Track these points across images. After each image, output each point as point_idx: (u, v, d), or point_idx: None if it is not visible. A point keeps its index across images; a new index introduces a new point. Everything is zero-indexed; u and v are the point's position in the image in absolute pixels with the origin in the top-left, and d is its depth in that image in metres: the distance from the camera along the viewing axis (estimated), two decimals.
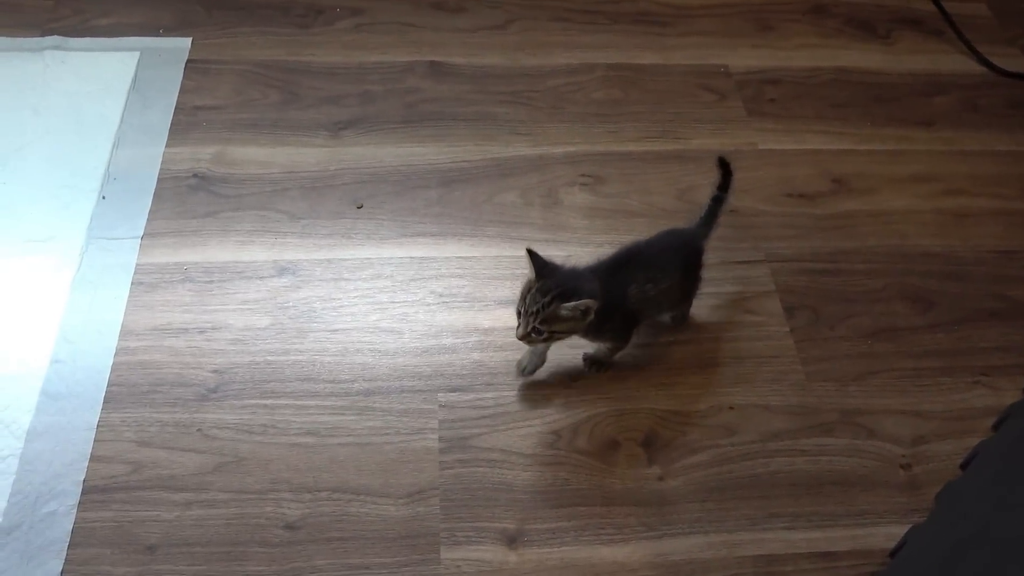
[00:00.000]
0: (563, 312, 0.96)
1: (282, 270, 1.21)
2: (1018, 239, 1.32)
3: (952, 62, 1.60)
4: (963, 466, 0.95)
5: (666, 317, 1.15)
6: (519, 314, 0.99)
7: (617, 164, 1.39)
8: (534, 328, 0.98)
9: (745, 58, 1.57)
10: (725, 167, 1.15)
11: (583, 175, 1.36)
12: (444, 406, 1.08)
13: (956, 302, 1.22)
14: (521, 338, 1.00)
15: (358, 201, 1.31)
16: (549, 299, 0.96)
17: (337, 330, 1.15)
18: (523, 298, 0.99)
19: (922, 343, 1.18)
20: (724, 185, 1.15)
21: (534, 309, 0.97)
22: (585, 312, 0.97)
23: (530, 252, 0.99)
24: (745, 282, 1.23)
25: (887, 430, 1.09)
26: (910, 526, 0.95)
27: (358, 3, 1.60)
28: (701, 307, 1.20)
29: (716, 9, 1.66)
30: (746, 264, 1.25)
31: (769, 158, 1.40)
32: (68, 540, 0.95)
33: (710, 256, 1.26)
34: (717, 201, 1.14)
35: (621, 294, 1.02)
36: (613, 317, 1.03)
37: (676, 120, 1.46)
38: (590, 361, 1.12)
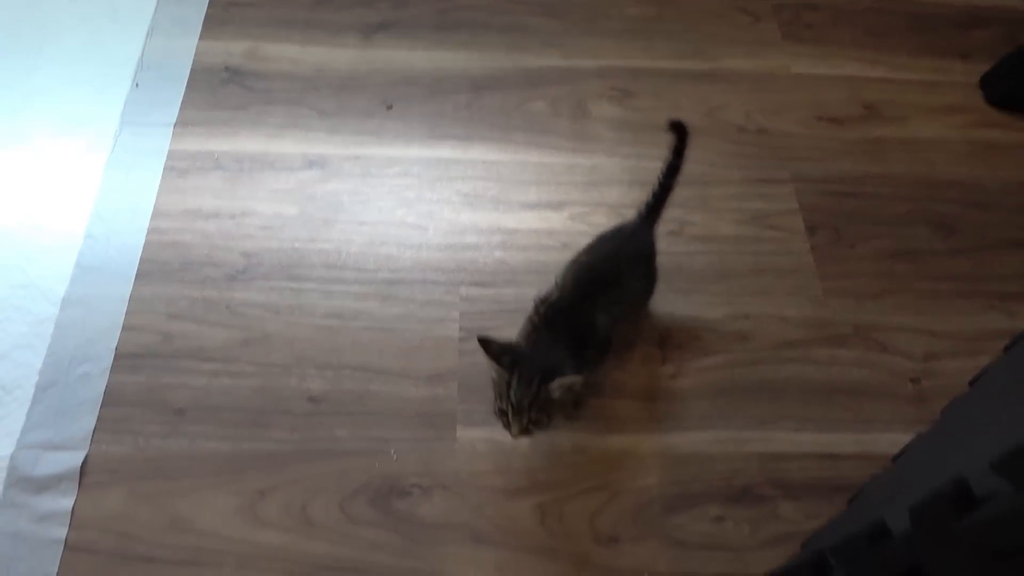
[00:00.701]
0: (555, 393, 0.88)
1: (311, 163, 1.23)
2: None
3: None
4: (972, 383, 0.96)
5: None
6: (504, 413, 0.90)
7: (648, 80, 1.38)
8: (531, 420, 0.89)
9: None
10: (680, 130, 1.02)
11: (613, 88, 1.36)
12: (465, 299, 1.10)
13: (979, 230, 1.22)
14: (519, 435, 0.90)
15: (388, 102, 1.31)
16: (536, 387, 0.87)
17: (363, 223, 1.17)
18: (503, 396, 0.89)
19: (942, 267, 1.18)
20: (679, 150, 1.02)
21: (526, 403, 0.87)
22: (572, 386, 0.88)
23: (483, 341, 0.89)
24: (769, 199, 1.24)
25: (900, 346, 1.10)
26: (915, 434, 0.98)
27: None
28: (725, 221, 1.21)
29: None
30: (772, 183, 1.26)
31: (802, 82, 1.39)
32: (101, 400, 0.99)
33: (734, 174, 1.27)
34: (671, 171, 1.02)
35: (590, 328, 0.95)
36: (586, 355, 0.94)
37: (710, 40, 1.44)
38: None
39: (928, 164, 1.30)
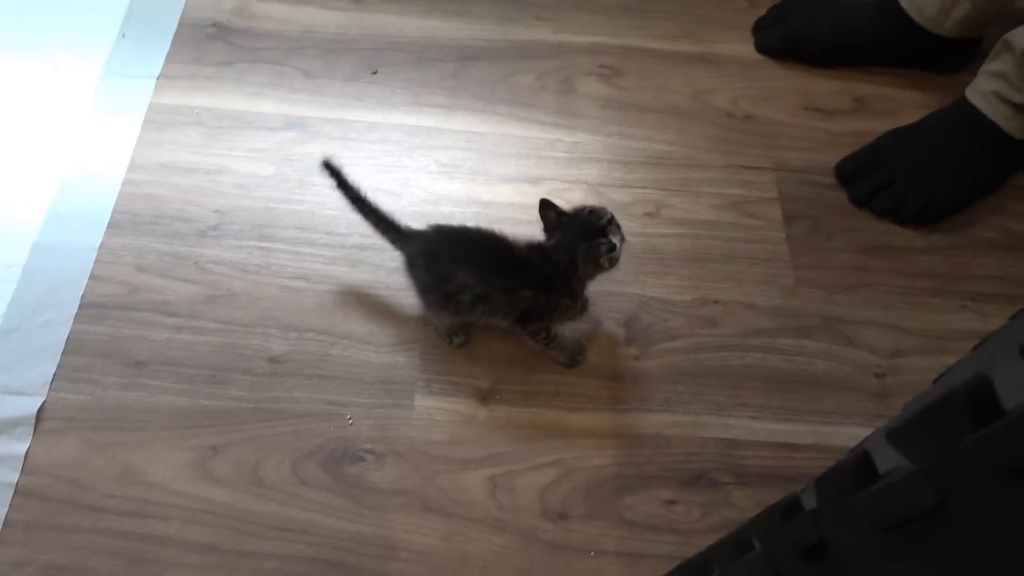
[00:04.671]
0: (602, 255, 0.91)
1: (291, 124, 1.22)
2: None
3: None
4: (935, 381, 0.96)
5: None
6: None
7: (638, 59, 1.36)
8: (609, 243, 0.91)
9: None
10: (331, 169, 0.99)
11: (602, 66, 1.35)
12: None
13: (957, 227, 1.21)
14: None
15: (373, 67, 1.30)
16: (609, 217, 0.93)
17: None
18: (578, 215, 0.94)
19: (917, 264, 1.17)
20: (344, 183, 0.99)
21: (604, 221, 0.92)
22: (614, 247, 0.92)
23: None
24: (749, 187, 1.23)
25: (867, 340, 1.10)
26: (874, 429, 0.97)
27: None
28: (703, 205, 1.20)
29: None
30: (752, 170, 1.25)
31: (793, 69, 1.38)
32: (63, 347, 1.00)
33: (717, 159, 1.26)
34: (357, 202, 0.99)
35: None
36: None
37: (704, 23, 1.42)
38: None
39: None
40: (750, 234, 1.18)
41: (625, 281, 1.12)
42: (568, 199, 1.18)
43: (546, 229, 0.95)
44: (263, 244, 1.10)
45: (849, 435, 1.02)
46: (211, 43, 1.30)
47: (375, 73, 1.29)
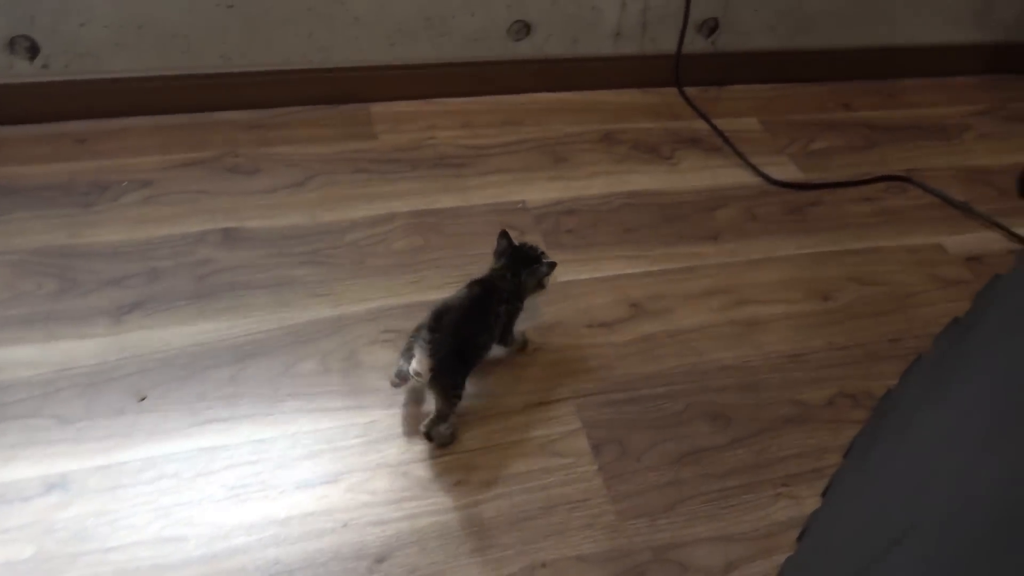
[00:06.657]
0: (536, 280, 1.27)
1: (51, 486, 1.10)
2: (805, 340, 1.39)
3: (731, 175, 1.71)
4: None
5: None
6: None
7: (420, 315, 1.36)
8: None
9: (542, 191, 1.63)
10: None
11: (385, 331, 1.34)
12: None
13: (753, 413, 1.26)
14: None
15: (141, 393, 1.22)
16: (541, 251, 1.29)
17: (112, 548, 1.04)
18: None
19: (725, 461, 1.19)
20: None
21: (539, 252, 1.28)
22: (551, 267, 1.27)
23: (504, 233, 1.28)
24: (551, 423, 1.22)
25: (699, 561, 1.07)
26: None
27: (147, 175, 1.56)
28: (511, 456, 1.18)
29: (512, 146, 1.73)
30: (551, 404, 1.25)
31: (569, 290, 1.43)
32: None
33: (515, 401, 1.25)
34: None
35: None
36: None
37: (478, 261, 1.46)
38: (431, 431, 1.17)
39: (696, 353, 1.35)
40: (563, 475, 1.16)
41: (446, 571, 1.05)
42: (372, 490, 1.12)
43: (497, 252, 1.27)
44: None
45: None
46: None
47: (143, 399, 1.21)
